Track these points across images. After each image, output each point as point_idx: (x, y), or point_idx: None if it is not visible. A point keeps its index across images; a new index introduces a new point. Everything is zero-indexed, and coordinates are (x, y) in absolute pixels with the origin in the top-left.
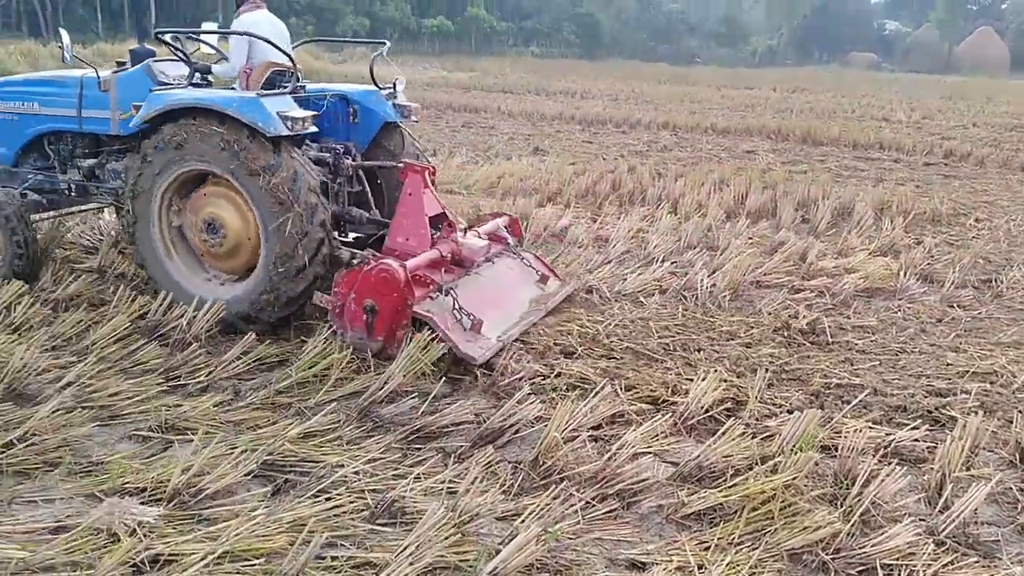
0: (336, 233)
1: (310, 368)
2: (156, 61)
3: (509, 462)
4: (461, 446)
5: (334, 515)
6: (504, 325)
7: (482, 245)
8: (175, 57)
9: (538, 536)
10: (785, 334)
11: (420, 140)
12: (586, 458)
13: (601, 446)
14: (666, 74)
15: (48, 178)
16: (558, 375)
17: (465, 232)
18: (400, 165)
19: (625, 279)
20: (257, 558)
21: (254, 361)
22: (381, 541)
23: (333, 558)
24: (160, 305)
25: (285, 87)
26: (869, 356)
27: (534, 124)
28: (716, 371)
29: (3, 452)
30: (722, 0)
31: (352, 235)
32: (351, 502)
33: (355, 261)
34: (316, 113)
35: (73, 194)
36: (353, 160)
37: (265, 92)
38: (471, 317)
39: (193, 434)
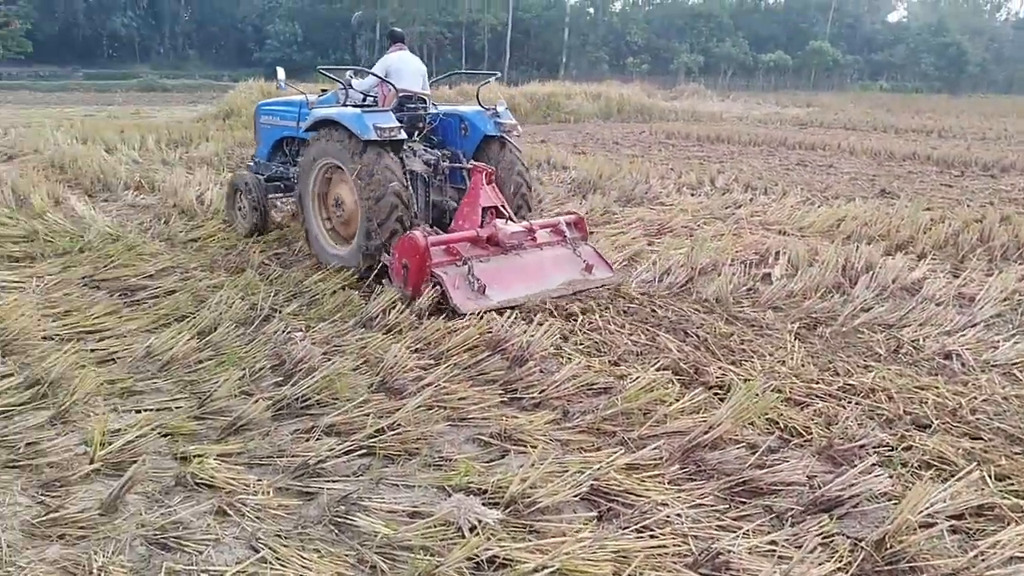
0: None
1: (635, 400)
2: (342, 89)
3: (848, 537)
4: (791, 508)
5: (656, 554)
6: (515, 295)
7: (515, 231)
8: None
9: None
10: None
11: (750, 176)
12: (944, 551)
13: (963, 540)
14: None
15: (284, 170)
16: (908, 448)
17: (506, 221)
18: (469, 167)
19: (995, 347)
20: None
21: (582, 385)
22: None
23: None
24: (505, 322)
25: (412, 107)
26: None
27: (880, 164)
28: None
29: (376, 437)
30: None
31: None
32: (674, 544)
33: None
34: (400, 125)
35: (296, 182)
36: (454, 162)
37: (373, 108)
38: (479, 282)
39: (526, 446)
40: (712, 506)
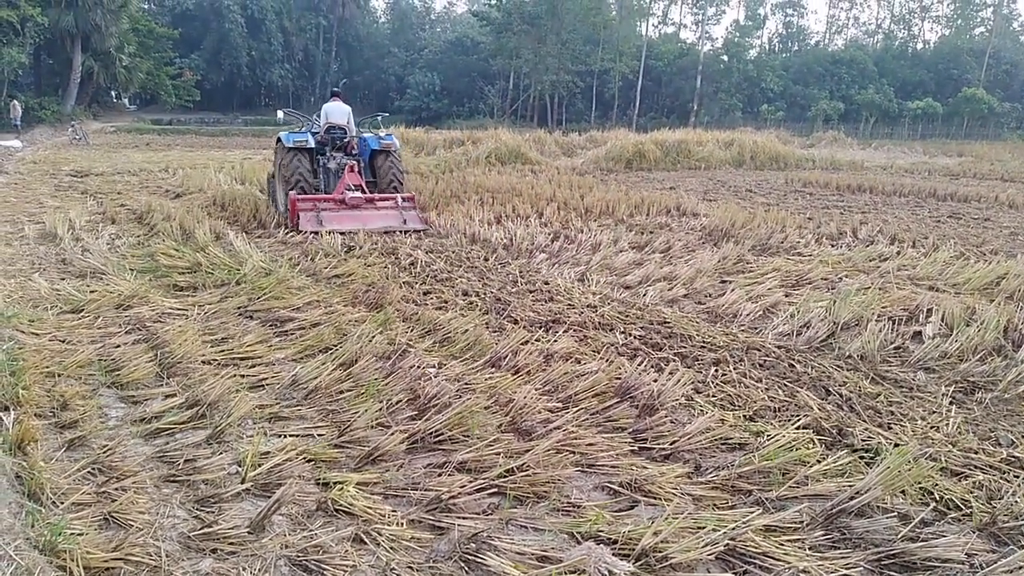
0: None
1: (773, 459)
2: (309, 122)
3: None
4: None
5: None
6: (341, 227)
7: (355, 197)
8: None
9: None
10: None
11: (896, 228)
12: None
13: None
14: None
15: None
16: None
17: (354, 191)
18: (349, 163)
19: None
20: None
21: (715, 439)
22: None
23: None
24: (633, 371)
25: (334, 132)
26: None
27: None
28: None
29: (506, 477)
30: None
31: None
32: None
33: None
34: (305, 140)
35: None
36: (355, 162)
37: (297, 130)
38: (320, 220)
39: (657, 498)
40: None
